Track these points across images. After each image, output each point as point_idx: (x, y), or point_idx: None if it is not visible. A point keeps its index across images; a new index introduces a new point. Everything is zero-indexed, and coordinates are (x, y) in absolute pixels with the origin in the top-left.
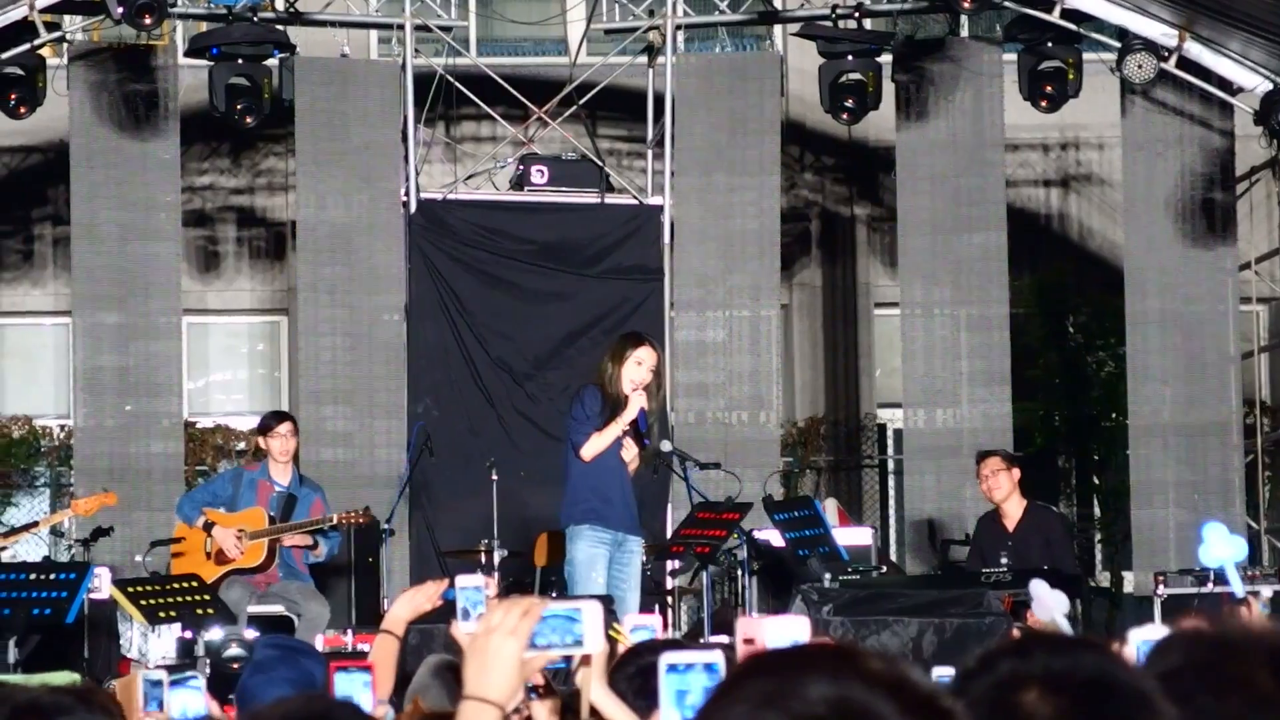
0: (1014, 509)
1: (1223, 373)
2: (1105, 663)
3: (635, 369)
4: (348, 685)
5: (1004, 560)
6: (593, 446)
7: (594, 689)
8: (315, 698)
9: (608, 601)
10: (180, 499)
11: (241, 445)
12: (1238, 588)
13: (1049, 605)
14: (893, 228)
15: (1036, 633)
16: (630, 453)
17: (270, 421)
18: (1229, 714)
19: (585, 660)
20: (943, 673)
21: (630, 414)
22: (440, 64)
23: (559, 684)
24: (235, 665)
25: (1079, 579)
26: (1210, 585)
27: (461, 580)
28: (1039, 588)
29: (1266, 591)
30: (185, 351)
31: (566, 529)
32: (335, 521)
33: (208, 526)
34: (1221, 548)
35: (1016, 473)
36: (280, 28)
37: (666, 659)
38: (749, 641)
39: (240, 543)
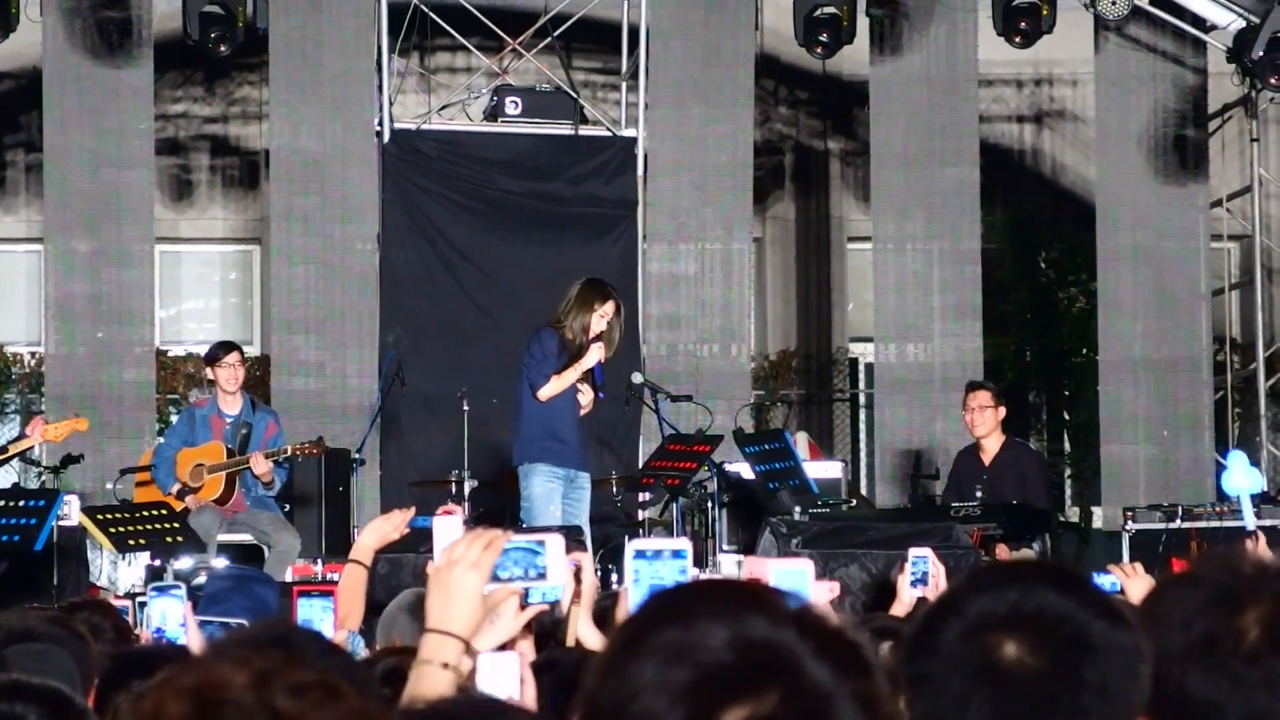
0: (992, 444)
1: (1193, 309)
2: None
3: (599, 321)
4: (309, 611)
5: (978, 494)
6: (550, 389)
7: (581, 624)
8: (274, 623)
9: (576, 532)
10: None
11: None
12: (1250, 520)
13: (1241, 480)
14: (866, 162)
15: (1003, 565)
16: (586, 397)
17: (218, 352)
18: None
19: (576, 597)
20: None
21: (589, 362)
22: None
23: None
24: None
25: (1050, 514)
26: (1178, 522)
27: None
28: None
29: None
30: (157, 279)
31: (520, 466)
32: (290, 453)
33: None
34: (1241, 478)
35: (1001, 411)
36: None
37: (635, 545)
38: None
39: (200, 477)
